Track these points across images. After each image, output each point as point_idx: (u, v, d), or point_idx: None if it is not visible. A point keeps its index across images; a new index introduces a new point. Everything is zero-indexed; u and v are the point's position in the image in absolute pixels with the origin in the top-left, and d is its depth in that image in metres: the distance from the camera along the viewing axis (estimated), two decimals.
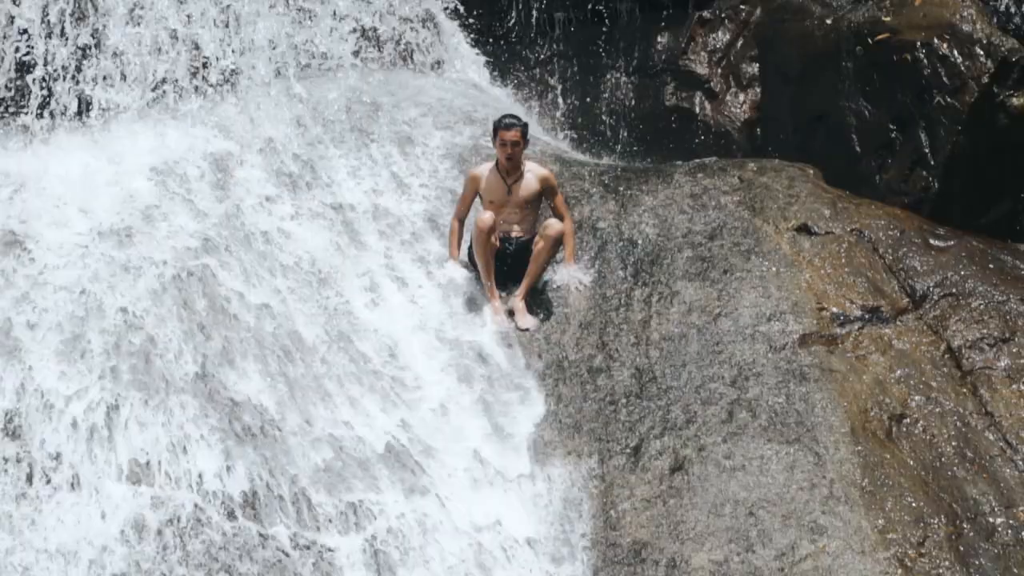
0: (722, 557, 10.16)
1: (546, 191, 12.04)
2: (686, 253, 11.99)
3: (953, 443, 10.65)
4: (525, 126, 12.02)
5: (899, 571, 9.90)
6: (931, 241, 12.00)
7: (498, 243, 11.89)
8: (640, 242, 12.23)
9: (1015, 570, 9.96)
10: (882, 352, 11.19)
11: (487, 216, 11.77)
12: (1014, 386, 10.97)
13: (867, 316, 11.44)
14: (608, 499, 10.69)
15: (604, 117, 15.10)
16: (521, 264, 11.93)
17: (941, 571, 9.94)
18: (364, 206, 12.59)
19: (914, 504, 10.27)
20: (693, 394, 11.09)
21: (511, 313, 11.85)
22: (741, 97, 14.73)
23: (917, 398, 10.90)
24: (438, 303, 11.97)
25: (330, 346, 11.40)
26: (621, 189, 12.69)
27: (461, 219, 12.21)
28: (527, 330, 11.71)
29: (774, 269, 11.76)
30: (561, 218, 12.00)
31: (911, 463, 10.53)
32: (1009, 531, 10.18)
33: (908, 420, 10.78)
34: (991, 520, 10.23)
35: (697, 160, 13.31)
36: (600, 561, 10.41)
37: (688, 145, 14.46)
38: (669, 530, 10.41)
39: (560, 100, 15.25)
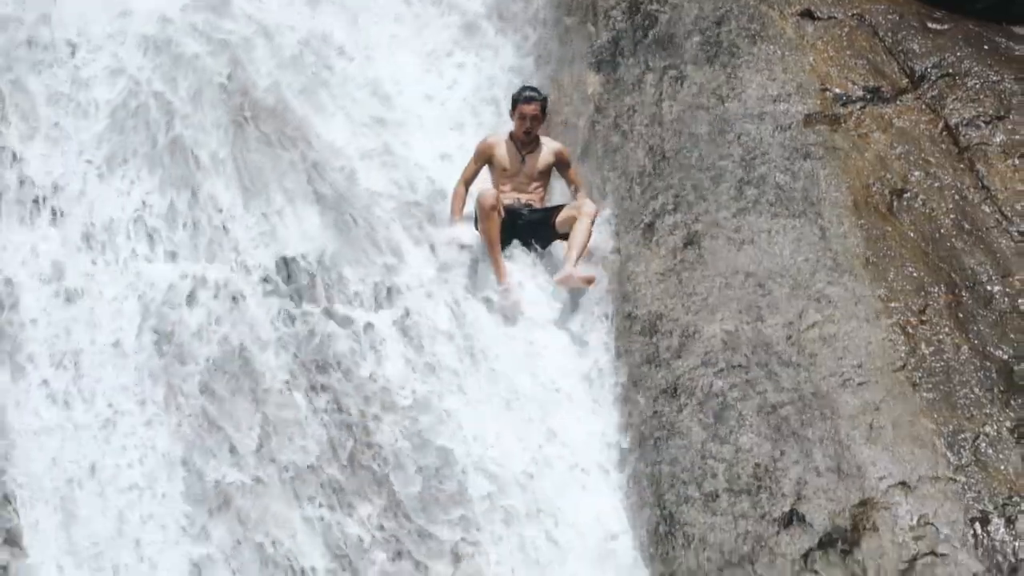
0: (733, 327, 10.27)
1: (559, 164, 11.67)
2: (695, 38, 11.90)
3: (951, 216, 10.66)
4: (545, 100, 11.65)
5: (901, 337, 9.96)
6: (929, 24, 11.94)
7: (503, 214, 11.13)
8: (651, 28, 12.16)
9: (1011, 335, 9.95)
10: (883, 130, 11.16)
11: (489, 194, 11.12)
12: (1009, 161, 10.85)
13: (868, 96, 11.39)
14: (624, 273, 10.88)
15: None
16: (538, 233, 11.39)
17: (941, 337, 9.96)
18: None
19: (915, 274, 10.31)
20: (704, 172, 11.10)
21: (561, 282, 11.02)
22: None
23: (917, 173, 10.89)
24: None
25: None
26: None
27: (467, 184, 11.56)
28: (592, 278, 10.95)
29: (779, 53, 11.67)
30: (576, 190, 11.57)
31: (911, 235, 10.55)
32: (1006, 298, 10.19)
33: (908, 194, 10.77)
34: (988, 288, 10.25)
35: None
36: (618, 332, 10.62)
37: None
38: (682, 301, 10.53)
39: None
